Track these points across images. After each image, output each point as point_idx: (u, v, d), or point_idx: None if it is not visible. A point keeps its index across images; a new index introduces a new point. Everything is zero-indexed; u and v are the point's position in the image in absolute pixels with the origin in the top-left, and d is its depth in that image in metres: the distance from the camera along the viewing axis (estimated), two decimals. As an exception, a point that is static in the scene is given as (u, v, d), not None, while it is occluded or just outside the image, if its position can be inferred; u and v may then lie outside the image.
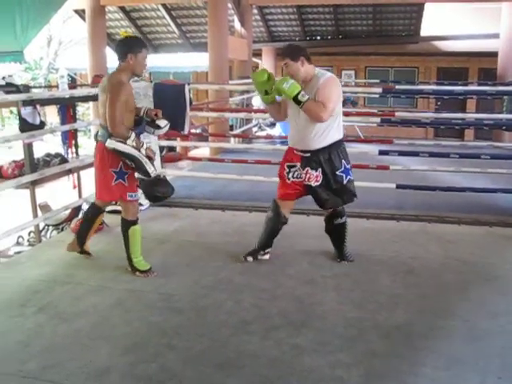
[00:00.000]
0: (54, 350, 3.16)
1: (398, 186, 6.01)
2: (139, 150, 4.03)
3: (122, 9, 16.96)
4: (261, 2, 15.60)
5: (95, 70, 12.57)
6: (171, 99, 6.03)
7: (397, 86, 8.34)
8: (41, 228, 6.45)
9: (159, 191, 6.08)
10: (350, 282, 4.15)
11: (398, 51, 16.95)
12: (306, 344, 3.20)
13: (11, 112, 17.23)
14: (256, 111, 10.47)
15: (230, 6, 13.59)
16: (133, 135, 4.00)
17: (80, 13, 16.38)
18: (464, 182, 6.74)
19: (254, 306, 3.72)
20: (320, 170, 4.18)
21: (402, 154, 6.32)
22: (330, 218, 4.47)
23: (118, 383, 2.83)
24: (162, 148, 6.79)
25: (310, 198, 4.34)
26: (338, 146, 4.21)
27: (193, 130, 10.60)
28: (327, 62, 17.74)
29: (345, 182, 4.23)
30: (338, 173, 4.19)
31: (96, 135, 4.25)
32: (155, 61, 15.72)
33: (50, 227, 6.69)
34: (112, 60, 5.37)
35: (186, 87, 6.12)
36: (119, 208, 5.93)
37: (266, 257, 4.58)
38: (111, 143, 3.96)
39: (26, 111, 5.44)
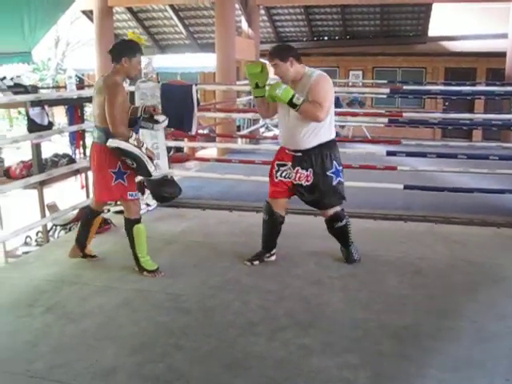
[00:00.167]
0: (62, 349, 3.17)
1: (406, 187, 6.00)
2: (140, 149, 4.07)
3: (130, 9, 17.00)
4: (268, 3, 15.60)
5: (103, 70, 12.58)
6: (179, 100, 6.03)
7: (404, 87, 8.32)
8: (48, 228, 6.47)
9: (167, 192, 6.13)
10: (357, 282, 4.14)
11: (405, 51, 16.90)
12: (313, 345, 3.20)
13: (19, 113, 17.29)
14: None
15: (237, 6, 13.61)
16: (134, 135, 4.04)
17: (88, 13, 16.45)
18: (472, 183, 6.71)
19: (261, 306, 3.72)
20: (311, 169, 4.16)
21: (409, 154, 6.30)
22: (329, 221, 4.41)
23: (125, 383, 2.84)
24: (169, 148, 6.80)
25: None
26: (329, 145, 4.19)
27: (200, 131, 10.61)
28: (334, 62, 17.72)
29: (334, 183, 4.20)
30: (328, 173, 4.17)
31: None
32: (163, 61, 15.71)
33: (58, 227, 6.71)
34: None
35: (194, 88, 6.13)
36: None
37: (273, 258, 4.58)
38: (113, 142, 3.98)
39: (35, 112, 5.46)
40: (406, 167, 6.33)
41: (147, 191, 6.30)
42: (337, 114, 9.00)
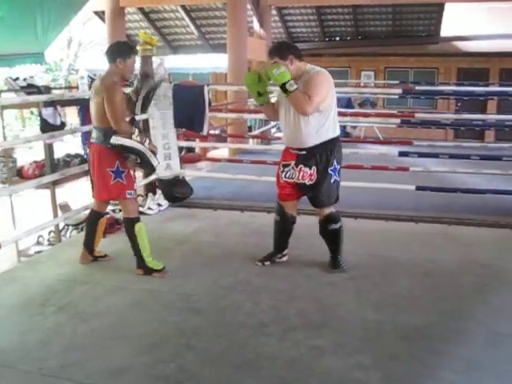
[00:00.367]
0: (74, 349, 3.18)
1: (418, 188, 5.98)
2: (143, 145, 4.17)
3: (142, 10, 17.04)
4: (280, 3, 15.60)
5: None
6: (190, 100, 6.05)
7: (417, 87, 8.28)
8: (60, 228, 6.50)
9: (178, 192, 6.15)
10: (369, 283, 4.13)
11: (417, 52, 16.80)
12: (324, 345, 3.19)
13: (32, 113, 17.38)
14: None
15: (249, 6, 13.62)
16: (136, 131, 4.10)
17: (100, 14, 16.51)
18: (484, 184, 6.67)
19: (273, 307, 3.72)
20: (315, 167, 4.14)
21: (421, 155, 6.28)
22: (323, 222, 4.35)
23: (136, 383, 2.85)
24: (181, 149, 6.81)
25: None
26: (333, 144, 4.16)
27: (212, 131, 10.63)
28: (346, 62, 17.67)
29: (331, 180, 4.17)
30: (329, 171, 4.15)
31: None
32: (174, 62, 15.74)
33: (70, 227, 6.74)
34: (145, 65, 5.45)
35: (206, 88, 6.14)
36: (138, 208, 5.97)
37: (284, 259, 4.57)
38: (117, 139, 4.03)
39: (47, 112, 5.49)
40: (418, 168, 6.31)
41: (159, 191, 6.32)
42: (348, 114, 9.01)
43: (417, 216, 5.86)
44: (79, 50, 23.74)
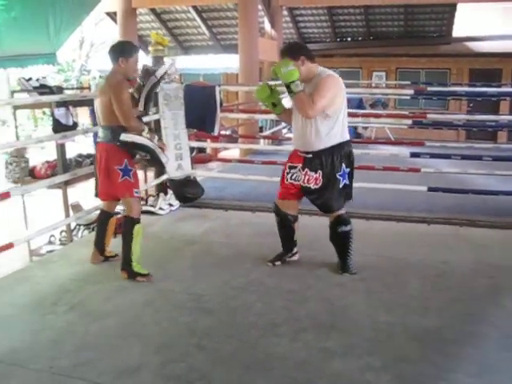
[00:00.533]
0: (85, 348, 3.19)
1: (430, 189, 5.95)
2: (153, 142, 4.19)
3: (153, 11, 17.09)
4: (291, 4, 15.58)
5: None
6: (202, 101, 6.06)
7: (429, 88, 8.25)
8: (72, 227, 6.53)
9: (189, 192, 6.15)
10: (380, 285, 4.11)
11: (429, 52, 16.74)
12: (335, 347, 3.18)
13: (44, 113, 17.48)
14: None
15: (260, 7, 13.61)
16: (146, 128, 4.12)
17: (112, 15, 16.57)
18: (497, 185, 6.62)
19: (284, 308, 3.71)
20: (320, 172, 4.11)
21: (433, 156, 6.25)
22: (333, 224, 4.32)
23: (147, 382, 2.85)
24: (192, 149, 6.82)
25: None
26: (341, 148, 4.12)
27: (223, 132, 10.64)
28: (357, 63, 17.63)
29: (340, 185, 4.14)
30: (337, 175, 4.11)
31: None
32: (186, 62, 15.79)
33: (81, 227, 6.76)
34: (142, 61, 5.43)
35: (217, 89, 6.14)
36: (149, 208, 6.00)
37: (295, 258, 4.57)
38: (127, 137, 4.05)
39: (60, 112, 5.51)
40: (429, 169, 6.28)
41: (170, 191, 6.34)
42: (360, 115, 8.99)
43: (428, 217, 5.83)
44: (91, 51, 23.87)
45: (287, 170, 4.31)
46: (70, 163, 6.42)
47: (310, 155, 4.14)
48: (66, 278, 4.28)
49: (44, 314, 3.66)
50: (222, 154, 11.64)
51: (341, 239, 4.33)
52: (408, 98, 12.20)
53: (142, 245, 4.26)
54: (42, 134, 13.22)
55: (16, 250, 4.69)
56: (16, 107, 6.02)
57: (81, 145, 9.75)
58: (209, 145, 8.80)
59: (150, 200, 6.19)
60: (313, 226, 4.64)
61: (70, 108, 5.67)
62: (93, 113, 7.18)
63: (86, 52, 23.82)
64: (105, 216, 4.59)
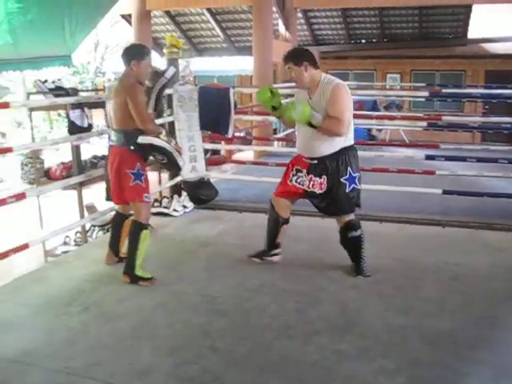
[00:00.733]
0: (99, 348, 3.21)
1: (445, 192, 5.90)
2: (170, 144, 4.20)
3: (168, 13, 17.17)
4: (305, 6, 15.57)
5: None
6: (216, 103, 6.07)
7: (444, 90, 8.21)
8: (87, 228, 6.56)
9: (203, 194, 6.16)
10: (394, 287, 4.09)
11: (444, 54, 16.65)
12: (348, 349, 3.17)
13: (59, 115, 17.59)
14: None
15: (274, 9, 13.62)
16: (164, 131, 4.14)
17: (126, 17, 16.68)
18: (513, 188, 6.57)
19: (297, 310, 3.71)
20: (325, 177, 4.09)
21: (448, 158, 6.21)
22: (343, 230, 4.30)
23: (160, 383, 2.86)
24: (206, 151, 6.83)
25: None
26: (346, 152, 4.10)
27: (237, 134, 10.64)
28: (372, 65, 17.57)
29: (348, 190, 4.10)
30: (342, 180, 4.08)
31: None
32: (200, 64, 15.85)
33: (96, 228, 6.79)
34: (156, 64, 5.44)
35: (231, 91, 6.15)
36: (163, 210, 6.01)
37: (274, 258, 4.55)
38: (145, 139, 4.06)
39: (75, 114, 5.54)
40: (444, 171, 6.24)
41: (184, 193, 6.35)
42: (374, 117, 8.95)
43: (443, 220, 5.78)
44: (106, 53, 24.00)
45: (293, 172, 4.30)
46: (85, 164, 6.44)
47: (315, 161, 4.14)
48: (81, 279, 4.30)
49: (58, 314, 3.68)
50: (236, 156, 11.65)
51: (352, 244, 4.32)
52: (423, 100, 12.19)
53: (154, 247, 4.27)
54: (58, 136, 13.34)
55: (31, 251, 4.73)
56: (32, 109, 6.07)
57: (96, 146, 9.79)
58: (223, 147, 8.82)
59: (164, 201, 6.21)
60: (326, 229, 4.63)
61: (85, 110, 5.70)
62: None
63: (100, 54, 23.94)
64: (120, 217, 4.60)
